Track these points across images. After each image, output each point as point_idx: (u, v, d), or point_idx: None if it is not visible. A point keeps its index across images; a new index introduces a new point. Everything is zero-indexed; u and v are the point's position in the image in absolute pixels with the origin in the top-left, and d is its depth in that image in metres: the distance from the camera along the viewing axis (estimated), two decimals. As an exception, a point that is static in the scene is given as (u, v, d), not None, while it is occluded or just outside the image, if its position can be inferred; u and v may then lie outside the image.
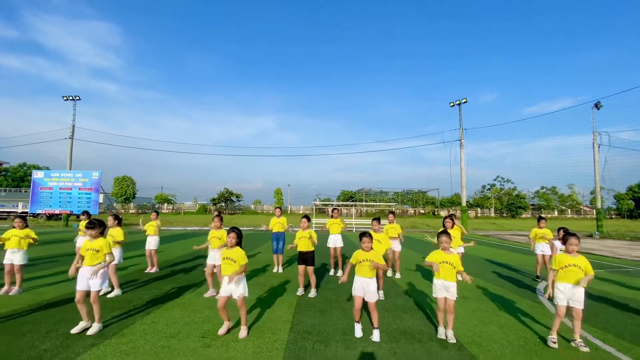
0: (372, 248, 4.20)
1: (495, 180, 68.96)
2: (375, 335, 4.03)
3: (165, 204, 67.00)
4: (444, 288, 4.09)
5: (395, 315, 4.98)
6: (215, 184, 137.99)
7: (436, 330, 4.26)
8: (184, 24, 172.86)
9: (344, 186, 75.14)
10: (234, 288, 4.02)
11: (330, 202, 57.86)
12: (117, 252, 6.13)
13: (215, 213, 7.20)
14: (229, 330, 4.11)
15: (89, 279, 4.09)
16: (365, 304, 4.13)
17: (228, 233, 4.25)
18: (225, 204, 64.51)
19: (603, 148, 24.85)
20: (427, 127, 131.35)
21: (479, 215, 62.82)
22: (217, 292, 5.14)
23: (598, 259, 12.04)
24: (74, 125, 26.01)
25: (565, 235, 4.11)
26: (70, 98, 25.97)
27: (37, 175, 25.36)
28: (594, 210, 71.20)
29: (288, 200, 69.27)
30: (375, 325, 4.08)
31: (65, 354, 3.49)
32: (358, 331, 4.14)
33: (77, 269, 4.31)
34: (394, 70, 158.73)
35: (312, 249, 6.10)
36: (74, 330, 4.03)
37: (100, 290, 4.20)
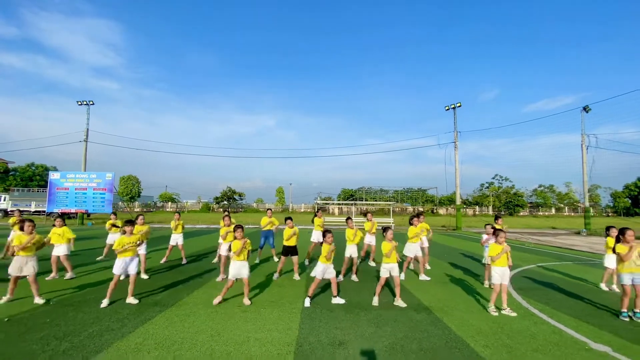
0: (332, 243, 5.63)
1: (493, 178, 70.19)
2: (337, 300, 5.62)
3: (170, 203, 68.50)
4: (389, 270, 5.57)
5: (383, 294, 6.32)
6: (217, 183, 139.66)
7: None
8: (182, 21, 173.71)
9: (345, 184, 76.47)
10: (243, 271, 5.44)
11: (331, 201, 59.20)
12: (143, 245, 7.49)
13: (225, 213, 8.59)
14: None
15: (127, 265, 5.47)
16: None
17: (235, 229, 5.64)
18: (228, 202, 65.92)
19: (591, 149, 26.19)
20: (429, 123, 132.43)
21: (477, 213, 64.11)
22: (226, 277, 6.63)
23: (574, 253, 13.40)
24: (87, 129, 27.38)
25: (495, 231, 5.46)
26: (85, 103, 27.32)
27: (53, 176, 26.74)
28: (591, 207, 72.30)
29: (289, 199, 70.73)
30: (335, 293, 5.69)
31: (144, 316, 4.85)
32: (307, 302, 5.48)
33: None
34: (394, 65, 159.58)
35: (295, 244, 7.55)
36: (103, 305, 5.25)
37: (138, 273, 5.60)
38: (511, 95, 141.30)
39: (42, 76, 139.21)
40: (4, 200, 37.65)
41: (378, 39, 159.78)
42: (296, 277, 7.52)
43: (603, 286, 7.17)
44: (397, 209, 61.76)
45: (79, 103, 27.39)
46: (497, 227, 7.99)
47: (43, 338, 4.07)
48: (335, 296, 5.66)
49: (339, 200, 65.02)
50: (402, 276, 7.71)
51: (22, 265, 5.37)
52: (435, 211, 61.72)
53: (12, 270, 5.34)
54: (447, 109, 26.57)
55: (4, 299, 5.42)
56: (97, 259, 9.70)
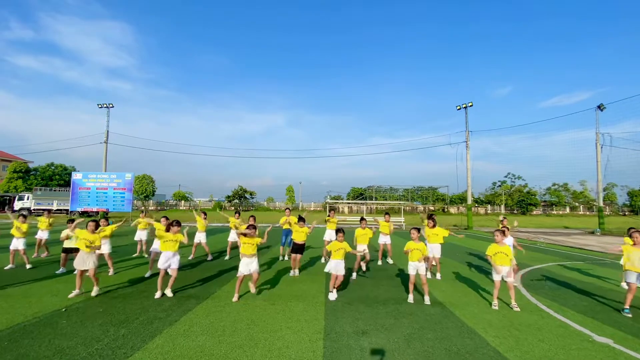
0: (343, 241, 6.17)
1: (506, 177, 69.24)
2: (332, 295, 6.00)
3: (183, 201, 70.10)
4: (414, 268, 5.89)
5: (398, 290, 6.76)
6: (228, 181, 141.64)
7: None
8: (190, 20, 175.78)
9: (355, 182, 76.56)
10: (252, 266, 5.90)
11: (340, 200, 59.56)
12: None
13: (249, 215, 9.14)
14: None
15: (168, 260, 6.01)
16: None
17: (248, 227, 6.12)
18: (239, 201, 67.04)
19: (606, 148, 25.89)
20: (440, 121, 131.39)
21: (489, 212, 63.56)
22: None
23: (586, 252, 13.54)
24: (107, 131, 28.46)
25: (496, 232, 5.85)
26: (105, 105, 28.41)
27: (76, 176, 27.90)
28: (607, 206, 70.67)
29: (299, 198, 71.38)
30: (335, 288, 6.11)
31: (184, 307, 5.41)
32: (332, 296, 6.01)
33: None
34: (404, 62, 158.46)
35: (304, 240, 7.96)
36: (157, 296, 5.86)
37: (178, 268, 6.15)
38: (526, 91, 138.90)
39: (57, 77, 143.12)
40: (28, 199, 39.26)
41: (388, 36, 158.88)
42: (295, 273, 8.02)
43: (624, 285, 6.70)
44: (407, 207, 61.80)
45: (100, 106, 28.51)
46: (500, 227, 8.21)
47: (102, 325, 4.65)
48: (332, 291, 6.08)
49: (348, 199, 65.39)
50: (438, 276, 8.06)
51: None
52: (446, 210, 61.51)
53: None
54: (459, 109, 26.64)
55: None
56: (133, 255, 10.40)
